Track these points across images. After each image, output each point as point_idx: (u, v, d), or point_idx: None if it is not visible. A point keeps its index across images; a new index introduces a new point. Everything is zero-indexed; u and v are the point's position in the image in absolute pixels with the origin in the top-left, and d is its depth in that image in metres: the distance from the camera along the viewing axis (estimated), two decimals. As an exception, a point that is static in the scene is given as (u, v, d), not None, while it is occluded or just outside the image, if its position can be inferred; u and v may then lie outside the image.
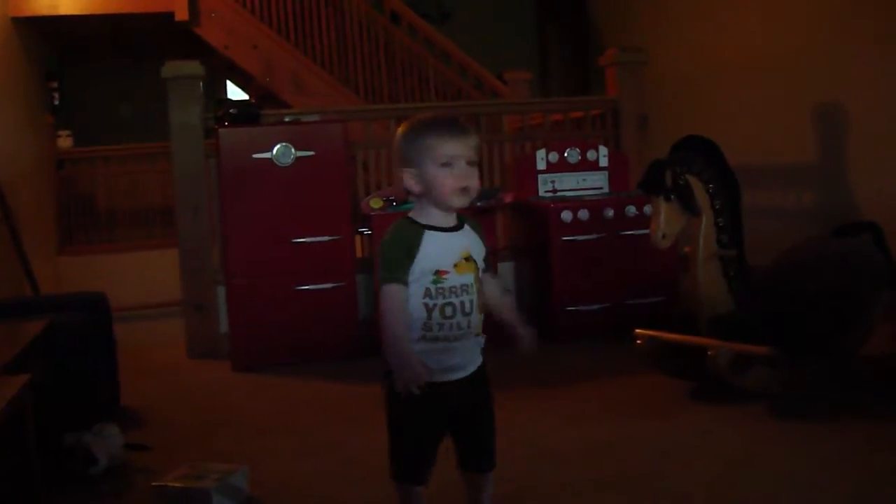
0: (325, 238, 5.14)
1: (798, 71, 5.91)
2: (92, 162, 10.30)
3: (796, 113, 5.86)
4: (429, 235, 2.33)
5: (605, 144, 6.01)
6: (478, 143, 2.37)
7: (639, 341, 4.16)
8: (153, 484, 3.05)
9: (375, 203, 5.10)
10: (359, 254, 5.41)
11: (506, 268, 5.83)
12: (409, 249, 2.31)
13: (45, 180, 9.46)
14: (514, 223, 6.04)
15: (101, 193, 10.31)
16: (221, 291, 5.40)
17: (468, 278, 2.34)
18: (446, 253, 2.33)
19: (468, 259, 2.35)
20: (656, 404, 3.96)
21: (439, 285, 2.31)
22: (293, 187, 5.11)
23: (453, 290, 2.32)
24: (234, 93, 12.02)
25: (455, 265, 2.33)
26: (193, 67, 5.54)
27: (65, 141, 10.27)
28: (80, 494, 3.22)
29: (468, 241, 2.38)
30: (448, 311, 2.31)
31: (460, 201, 2.34)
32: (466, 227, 2.40)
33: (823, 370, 3.93)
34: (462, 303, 2.33)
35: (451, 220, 2.38)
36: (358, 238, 5.42)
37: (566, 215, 5.28)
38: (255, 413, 4.27)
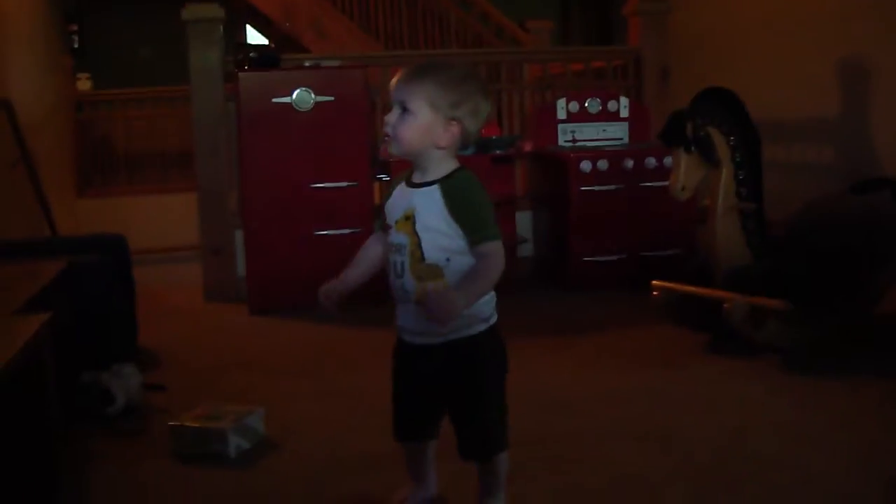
0: (344, 184, 5.13)
1: (821, 24, 5.84)
2: (111, 105, 10.30)
3: (819, 66, 5.80)
4: (396, 189, 2.29)
5: (626, 95, 5.97)
6: (413, 87, 2.17)
7: (655, 293, 4.16)
8: (170, 423, 3.07)
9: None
10: (377, 200, 5.41)
11: (524, 217, 5.83)
12: (383, 199, 2.32)
13: (64, 123, 9.46)
14: (533, 172, 6.02)
15: (120, 136, 10.33)
16: (239, 235, 5.41)
17: (402, 238, 2.20)
18: (393, 208, 2.25)
19: (408, 219, 2.19)
20: (671, 356, 3.97)
21: (389, 241, 2.26)
22: (312, 132, 5.10)
23: (391, 247, 2.24)
24: (254, 37, 11.98)
25: (396, 222, 2.23)
26: (213, 10, 5.50)
27: (84, 84, 10.28)
28: (97, 433, 3.26)
29: (421, 202, 2.19)
30: (390, 268, 2.26)
31: (389, 148, 2.24)
32: (435, 187, 2.19)
33: (838, 327, 3.92)
34: (394, 263, 2.23)
35: (420, 175, 2.24)
36: (377, 184, 5.42)
37: (585, 165, 5.26)
38: (270, 356, 4.30)
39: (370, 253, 2.38)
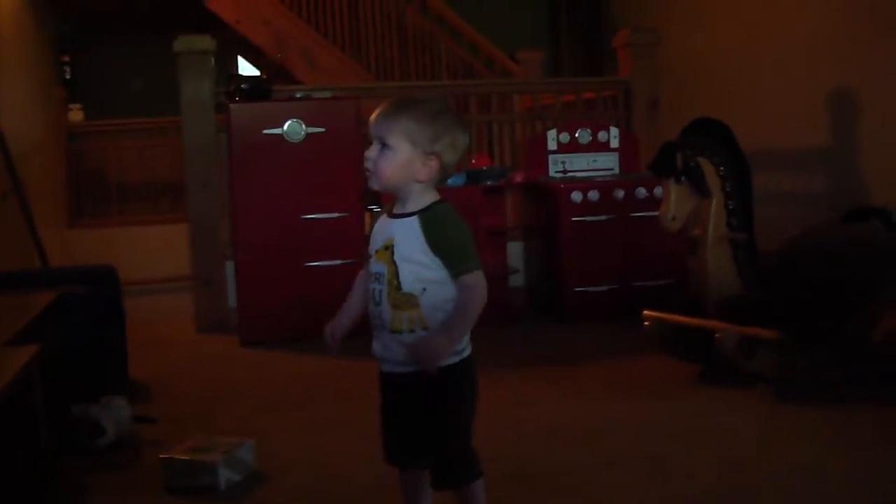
0: (335, 215, 5.14)
1: (810, 54, 5.88)
2: (102, 135, 10.29)
3: (808, 97, 5.84)
4: (380, 220, 2.33)
5: (617, 125, 5.99)
6: (391, 123, 2.21)
7: (646, 323, 4.15)
8: (161, 456, 3.06)
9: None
10: (367, 231, 5.40)
11: (515, 247, 5.83)
12: (369, 229, 2.36)
13: (56, 153, 9.46)
14: (524, 203, 6.03)
15: (112, 167, 10.31)
16: (230, 266, 5.41)
17: (381, 267, 2.23)
18: (375, 238, 2.29)
19: (387, 248, 2.23)
20: (663, 386, 3.96)
21: (369, 270, 2.29)
22: (303, 164, 5.10)
23: (371, 276, 2.27)
24: (246, 68, 12.00)
25: (376, 251, 2.26)
26: (205, 42, 5.53)
27: (76, 114, 10.28)
28: (87, 465, 3.24)
29: (400, 232, 2.23)
30: (369, 296, 2.28)
31: (370, 183, 2.27)
32: (414, 218, 2.22)
33: (831, 356, 3.92)
34: (373, 290, 2.25)
35: (400, 207, 2.27)
36: (367, 215, 5.42)
37: (576, 196, 5.27)
38: (261, 388, 4.28)
39: (363, 287, 2.38)
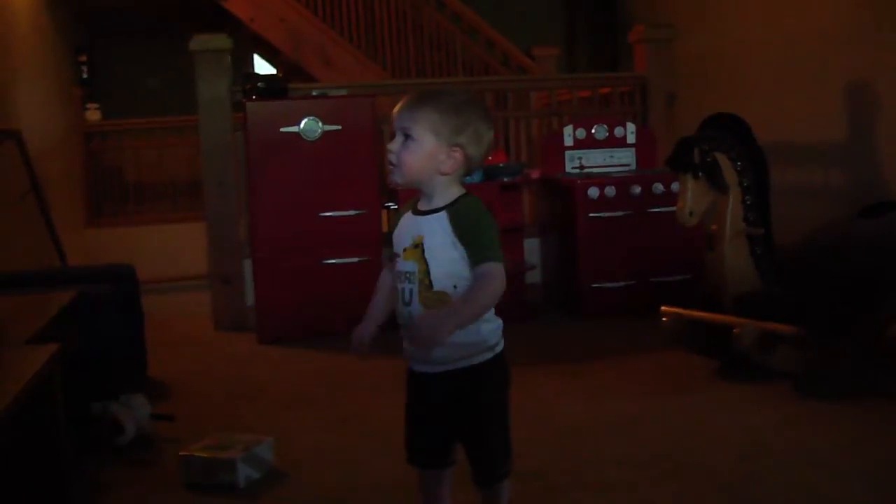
0: (352, 212, 5.15)
1: (828, 49, 5.85)
2: (120, 135, 10.32)
3: (825, 91, 5.81)
4: (403, 217, 2.29)
5: (633, 121, 5.98)
6: (414, 114, 2.17)
7: (664, 318, 4.15)
8: (180, 454, 3.07)
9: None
10: (385, 228, 5.42)
11: (532, 244, 5.83)
12: (391, 230, 2.32)
13: (74, 153, 9.50)
14: (540, 199, 6.03)
15: (129, 166, 10.34)
16: (248, 265, 5.42)
17: (411, 266, 2.19)
18: (401, 237, 2.25)
19: (416, 246, 2.18)
20: (681, 382, 3.95)
21: (396, 269, 2.25)
22: (320, 161, 5.11)
23: (399, 275, 2.23)
24: (262, 66, 12.03)
25: (404, 250, 2.22)
26: (221, 41, 5.54)
27: (93, 114, 10.31)
28: (107, 463, 3.26)
29: (429, 229, 2.19)
30: (397, 296, 2.25)
31: (392, 177, 2.23)
32: (443, 213, 2.19)
33: (849, 351, 3.91)
34: (403, 290, 2.21)
35: (426, 203, 2.23)
36: (384, 212, 5.43)
37: (593, 192, 5.26)
38: (280, 385, 4.30)
39: (387, 289, 2.37)
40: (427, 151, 2.18)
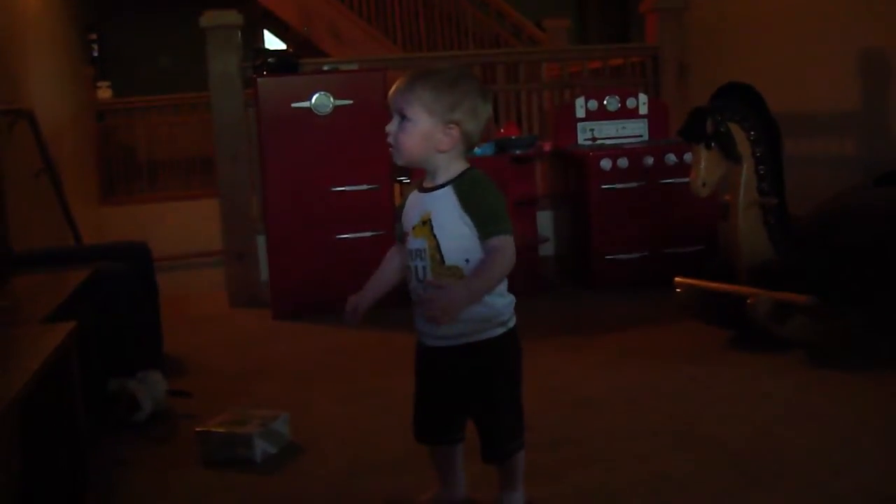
0: (365, 187, 5.15)
1: (841, 17, 5.81)
2: (131, 113, 10.36)
3: (839, 60, 5.76)
4: (410, 196, 2.32)
5: (645, 92, 5.96)
6: (408, 95, 2.20)
7: (678, 289, 4.15)
8: (197, 429, 3.09)
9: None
10: (398, 202, 5.42)
11: (545, 216, 5.82)
12: (398, 208, 2.34)
13: (86, 131, 9.53)
14: (553, 171, 6.01)
15: (141, 144, 10.38)
16: (262, 240, 5.43)
17: (421, 243, 2.22)
18: (410, 215, 2.28)
19: (425, 223, 2.22)
20: (695, 352, 3.96)
21: (407, 247, 2.28)
22: (332, 136, 5.11)
23: (411, 253, 2.26)
24: (272, 42, 12.02)
25: (413, 228, 2.25)
26: (231, 17, 5.53)
27: (104, 92, 10.34)
28: (125, 440, 3.28)
29: (436, 205, 2.22)
30: (410, 274, 2.28)
31: (393, 157, 2.26)
32: (449, 188, 2.22)
33: (864, 321, 3.90)
34: (416, 268, 2.25)
35: (431, 180, 2.27)
36: (397, 187, 5.43)
37: (605, 163, 5.25)
38: (295, 360, 4.31)
39: (392, 264, 2.40)
40: (423, 131, 2.21)
